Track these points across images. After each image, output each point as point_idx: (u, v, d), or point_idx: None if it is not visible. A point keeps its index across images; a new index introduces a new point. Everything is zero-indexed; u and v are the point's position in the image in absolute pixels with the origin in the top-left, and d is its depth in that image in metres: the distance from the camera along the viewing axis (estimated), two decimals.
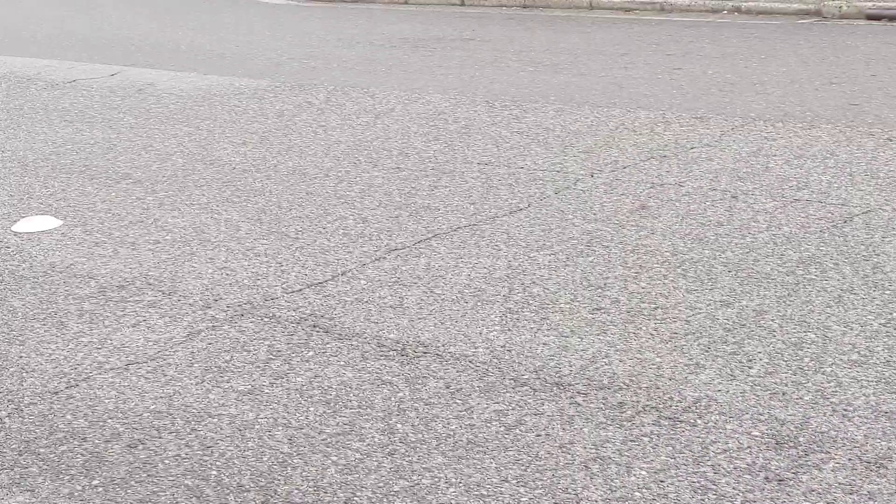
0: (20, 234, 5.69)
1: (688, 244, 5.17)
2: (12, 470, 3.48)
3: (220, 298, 4.77)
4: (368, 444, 3.56)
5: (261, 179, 6.49)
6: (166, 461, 3.50)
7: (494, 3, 14.04)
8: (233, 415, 3.77)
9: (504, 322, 4.40)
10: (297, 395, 3.89)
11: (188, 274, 5.06)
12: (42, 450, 3.59)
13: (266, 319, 4.54)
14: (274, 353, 4.23)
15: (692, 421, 3.62)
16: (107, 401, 3.90)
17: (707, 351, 4.09)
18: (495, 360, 4.08)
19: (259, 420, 3.73)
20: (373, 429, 3.65)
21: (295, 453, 3.52)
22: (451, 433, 3.60)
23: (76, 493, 3.33)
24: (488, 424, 3.64)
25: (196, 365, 4.15)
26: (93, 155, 7.15)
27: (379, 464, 3.45)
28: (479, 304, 4.59)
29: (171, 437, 3.64)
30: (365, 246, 5.33)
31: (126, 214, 5.94)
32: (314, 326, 4.46)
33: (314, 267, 5.09)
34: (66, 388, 4.01)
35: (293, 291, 4.82)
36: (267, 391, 3.93)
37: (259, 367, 4.12)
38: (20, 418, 3.80)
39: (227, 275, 5.03)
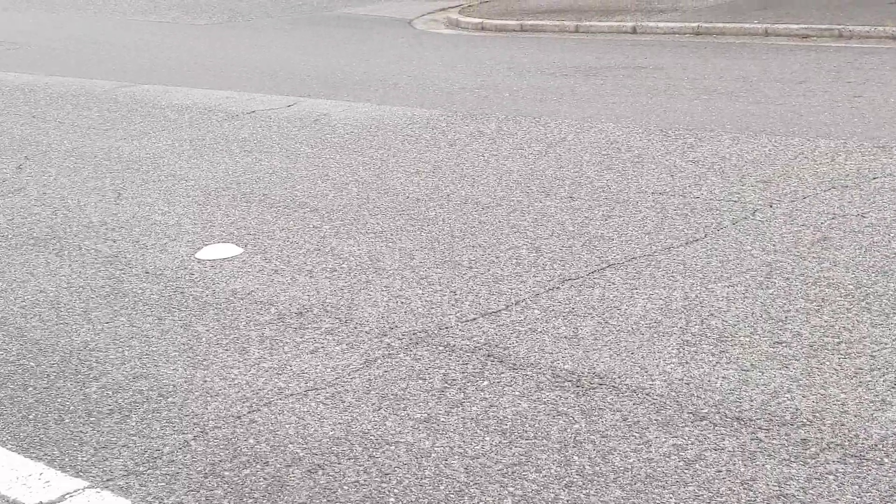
0: (203, 261, 5.86)
1: (872, 277, 5.01)
2: (198, 492, 3.58)
3: (396, 326, 4.82)
4: (545, 476, 3.54)
5: (434, 208, 6.56)
6: (345, 487, 3.55)
7: (666, 30, 13.93)
8: (409, 442, 3.80)
9: (681, 355, 4.34)
10: (473, 425, 3.90)
11: (364, 302, 5.13)
12: (226, 473, 3.69)
13: (441, 348, 4.58)
14: (449, 382, 4.25)
15: (879, 459, 3.51)
16: (287, 426, 3.98)
17: (894, 387, 3.95)
18: (673, 394, 4.02)
19: (435, 448, 3.75)
20: (549, 460, 3.63)
21: (472, 483, 3.53)
22: (629, 466, 3.56)
23: None
24: (667, 459, 3.59)
25: (373, 392, 4.21)
26: (272, 184, 7.33)
27: (556, 496, 3.43)
28: (655, 335, 4.54)
29: (350, 464, 3.69)
30: (538, 276, 5.32)
31: (304, 242, 6.07)
32: (488, 356, 4.47)
33: (488, 296, 5.11)
34: (249, 412, 4.11)
35: (467, 320, 4.85)
36: (443, 420, 3.95)
37: (434, 395, 4.15)
38: (205, 441, 3.90)
39: (402, 303, 5.09)
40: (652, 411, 3.90)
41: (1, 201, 7.21)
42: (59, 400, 4.30)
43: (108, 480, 3.68)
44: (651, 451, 3.64)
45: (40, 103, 10.76)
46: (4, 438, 4.00)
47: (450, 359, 4.47)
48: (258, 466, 3.71)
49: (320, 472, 3.64)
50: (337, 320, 4.94)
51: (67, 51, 15.00)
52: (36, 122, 9.82)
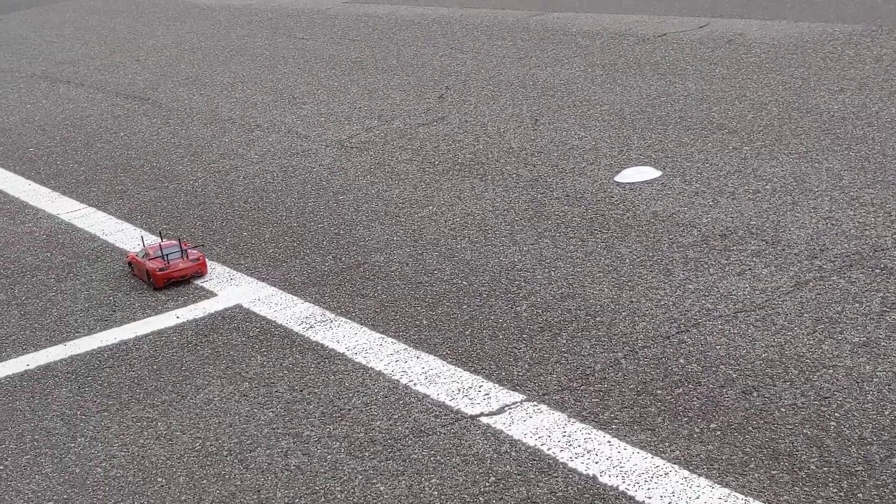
0: (622, 184, 5.88)
1: None
2: (631, 409, 3.61)
3: (827, 248, 4.64)
4: None
5: (861, 127, 6.24)
6: (782, 409, 3.47)
7: None
8: (848, 366, 3.66)
9: None
10: None
11: (791, 223, 4.98)
12: (659, 391, 3.70)
13: (877, 271, 4.37)
14: (888, 306, 4.06)
15: None
16: (718, 347, 3.94)
17: None
18: None
19: (877, 373, 3.60)
20: None
21: None
22: None
23: (695, 435, 3.40)
24: None
25: (806, 315, 4.08)
26: (687, 106, 7.23)
27: None
28: None
29: (786, 386, 3.60)
30: None
31: (723, 164, 5.95)
32: None
33: None
34: (677, 332, 4.10)
35: None
36: (883, 344, 3.78)
37: (873, 319, 3.97)
38: (635, 360, 3.93)
39: (833, 224, 4.89)
40: None
41: (426, 130, 7.53)
42: (492, 317, 4.46)
43: (543, 395, 3.78)
44: None
45: (456, 35, 11.12)
46: (444, 353, 4.20)
47: (888, 282, 4.25)
48: (690, 386, 3.70)
49: (755, 394, 3.58)
50: (763, 242, 4.82)
51: None
52: (454, 53, 10.17)
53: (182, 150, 7.84)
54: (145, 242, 5.68)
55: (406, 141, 7.30)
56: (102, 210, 6.66)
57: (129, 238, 6.04)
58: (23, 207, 6.96)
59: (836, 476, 3.09)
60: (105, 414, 4.12)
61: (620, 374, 3.85)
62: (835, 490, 3.03)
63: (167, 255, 5.26)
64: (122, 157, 7.88)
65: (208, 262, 5.44)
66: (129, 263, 5.49)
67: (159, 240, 5.57)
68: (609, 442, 3.44)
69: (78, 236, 6.23)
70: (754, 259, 4.66)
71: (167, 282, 5.22)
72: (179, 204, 6.59)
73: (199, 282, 5.27)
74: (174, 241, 5.39)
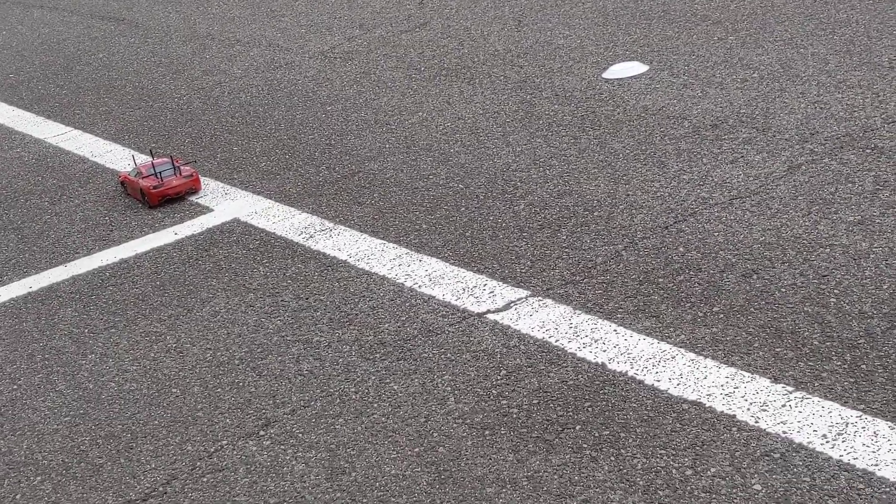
0: (611, 80, 5.89)
1: None
2: (635, 298, 3.67)
3: (817, 132, 4.68)
4: None
5: (845, 10, 6.25)
6: (782, 289, 3.54)
7: None
8: (845, 244, 3.73)
9: None
10: None
11: (780, 110, 5.01)
12: (661, 279, 3.76)
13: (868, 151, 4.41)
14: (880, 184, 4.11)
15: None
16: (716, 234, 3.99)
17: None
18: None
19: (873, 249, 3.66)
20: None
21: None
22: None
23: (699, 319, 3.46)
24: None
25: (800, 198, 4.13)
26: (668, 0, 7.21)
27: None
28: None
29: (785, 267, 3.66)
30: None
31: (709, 55, 5.96)
32: None
33: None
34: (675, 222, 4.14)
35: (894, 121, 4.63)
36: (878, 221, 3.84)
37: (867, 197, 4.02)
38: (636, 251, 3.98)
39: (821, 108, 4.92)
40: None
41: (409, 36, 7.50)
42: (490, 218, 4.50)
43: (547, 289, 3.84)
44: None
45: None
46: (446, 255, 4.25)
47: (879, 161, 4.30)
48: (691, 273, 3.76)
49: (755, 277, 3.64)
50: (754, 129, 4.85)
51: None
52: None
53: (163, 69, 7.80)
54: (137, 161, 5.68)
55: (390, 49, 7.27)
56: (89, 132, 6.64)
57: (119, 158, 6.04)
58: (9, 133, 6.94)
59: (840, 350, 3.16)
60: (113, 331, 4.16)
61: (622, 265, 3.90)
62: (839, 363, 3.10)
63: (160, 172, 5.27)
64: (104, 79, 7.84)
65: (201, 178, 5.46)
66: (122, 183, 5.50)
67: (151, 158, 5.57)
68: (615, 330, 3.50)
69: (67, 159, 6.23)
70: (746, 146, 4.70)
71: (162, 199, 5.24)
72: (166, 122, 6.58)
73: (193, 198, 5.29)
74: (166, 159, 5.40)
